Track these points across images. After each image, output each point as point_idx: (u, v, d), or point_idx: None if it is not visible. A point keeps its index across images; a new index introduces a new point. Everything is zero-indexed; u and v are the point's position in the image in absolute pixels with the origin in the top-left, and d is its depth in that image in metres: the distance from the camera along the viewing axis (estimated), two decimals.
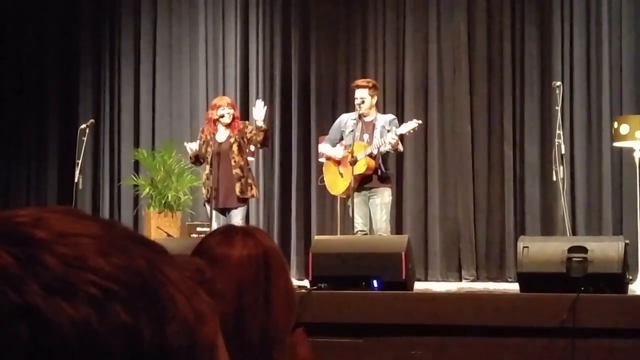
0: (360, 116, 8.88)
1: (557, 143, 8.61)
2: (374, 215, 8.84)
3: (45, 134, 12.30)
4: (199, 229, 10.18)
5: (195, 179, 10.93)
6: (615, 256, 6.36)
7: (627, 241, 6.58)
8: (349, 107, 10.00)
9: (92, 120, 10.36)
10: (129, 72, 12.26)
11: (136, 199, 11.84)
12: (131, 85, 12.24)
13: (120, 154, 12.19)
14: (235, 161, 8.84)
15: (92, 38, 12.36)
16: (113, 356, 0.62)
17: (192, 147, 9.02)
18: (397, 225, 10.72)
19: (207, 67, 11.98)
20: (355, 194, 8.71)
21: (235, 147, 8.84)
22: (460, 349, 6.26)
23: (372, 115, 8.98)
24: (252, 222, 10.90)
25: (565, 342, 6.03)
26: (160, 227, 10.50)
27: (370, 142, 8.79)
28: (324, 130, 9.75)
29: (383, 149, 8.73)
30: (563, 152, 8.63)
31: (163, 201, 10.97)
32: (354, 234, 8.78)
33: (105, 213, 12.01)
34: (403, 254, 6.81)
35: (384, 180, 8.91)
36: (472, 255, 10.79)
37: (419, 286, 8.19)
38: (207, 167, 8.92)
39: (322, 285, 6.80)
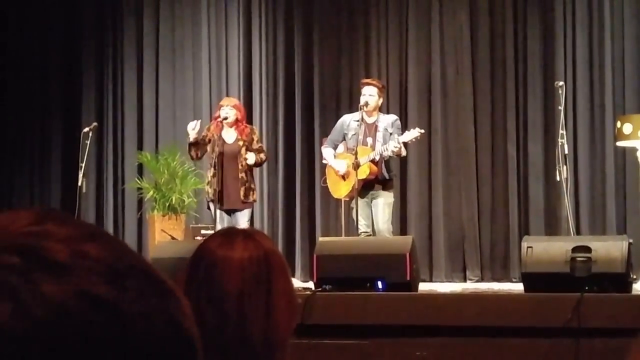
0: (363, 118, 8.88)
1: (560, 143, 8.61)
2: (376, 216, 8.84)
3: (48, 138, 12.31)
4: (203, 231, 10.17)
5: (199, 181, 10.93)
6: (619, 255, 6.35)
7: (631, 240, 6.57)
8: (353, 108, 9.99)
9: (95, 124, 10.37)
10: (132, 74, 12.26)
11: (140, 202, 11.85)
12: (134, 88, 12.25)
13: (123, 157, 12.19)
14: (242, 165, 8.87)
15: (95, 41, 12.37)
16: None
17: (191, 125, 8.98)
18: (401, 226, 10.73)
19: (210, 69, 11.98)
20: (358, 198, 8.72)
21: (243, 150, 8.88)
22: (465, 349, 6.25)
23: (375, 116, 8.98)
24: (257, 223, 10.91)
25: (570, 342, 6.02)
26: (165, 230, 10.51)
27: (373, 147, 8.80)
28: (327, 132, 9.75)
29: (386, 155, 8.74)
30: (566, 151, 8.63)
31: (167, 204, 10.97)
32: (357, 235, 8.78)
33: (109, 216, 12.03)
34: (407, 254, 6.81)
35: (386, 185, 8.92)
36: (476, 256, 10.79)
37: (424, 287, 8.19)
38: (212, 169, 8.93)
39: (327, 286, 6.80)
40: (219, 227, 8.79)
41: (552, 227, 10.52)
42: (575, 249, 6.43)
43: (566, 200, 8.82)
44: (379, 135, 8.85)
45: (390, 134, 8.81)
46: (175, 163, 11.28)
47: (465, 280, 10.71)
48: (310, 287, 7.52)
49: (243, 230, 2.22)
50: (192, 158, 9.42)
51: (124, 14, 12.35)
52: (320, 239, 8.49)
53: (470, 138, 10.98)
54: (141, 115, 12.21)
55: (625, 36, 10.62)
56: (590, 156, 10.63)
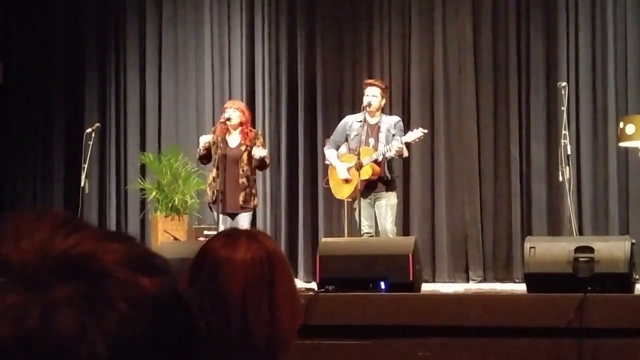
0: (366, 118, 8.89)
1: (563, 143, 8.61)
2: (380, 217, 8.84)
3: (51, 138, 12.31)
4: (206, 232, 10.17)
5: (202, 182, 10.93)
6: (621, 256, 6.36)
7: (634, 241, 6.57)
8: (355, 109, 10.00)
9: (98, 124, 10.37)
10: (135, 75, 12.27)
11: (143, 203, 11.85)
12: (137, 88, 12.25)
13: (126, 158, 12.19)
14: (243, 170, 8.84)
15: (98, 42, 12.37)
16: None
17: (204, 139, 9.01)
18: (404, 227, 10.73)
19: (213, 70, 11.98)
20: (361, 199, 8.72)
21: (245, 156, 8.85)
22: (468, 350, 6.26)
23: (378, 117, 8.98)
24: (259, 224, 10.91)
25: (573, 342, 6.03)
26: (167, 231, 10.51)
27: (375, 147, 8.80)
28: (330, 133, 9.75)
29: (388, 155, 8.74)
30: (569, 152, 8.63)
31: (170, 205, 10.98)
32: (360, 236, 8.78)
33: (112, 217, 12.04)
34: (410, 255, 6.81)
35: (389, 185, 8.92)
36: (479, 256, 10.79)
37: (426, 287, 8.18)
38: (214, 170, 8.92)
39: (330, 287, 6.80)
40: (221, 228, 8.78)
41: (555, 228, 10.53)
42: (578, 250, 6.43)
43: (569, 200, 8.82)
44: (382, 136, 8.85)
45: (393, 135, 8.81)
46: (178, 164, 11.28)
47: (468, 281, 10.71)
48: (312, 287, 7.53)
49: (246, 231, 2.23)
50: (203, 164, 9.49)
51: (126, 14, 12.35)
52: (323, 239, 8.49)
53: (472, 139, 10.98)
54: (144, 116, 12.21)
55: (628, 37, 10.62)
56: (592, 157, 10.63)
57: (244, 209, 8.86)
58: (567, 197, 8.90)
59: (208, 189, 9.11)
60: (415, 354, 6.29)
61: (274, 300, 2.09)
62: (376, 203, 8.88)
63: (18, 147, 12.37)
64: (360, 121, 8.89)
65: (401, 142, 8.64)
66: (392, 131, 8.85)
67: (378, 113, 9.00)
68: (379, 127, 8.91)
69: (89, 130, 9.98)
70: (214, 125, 9.73)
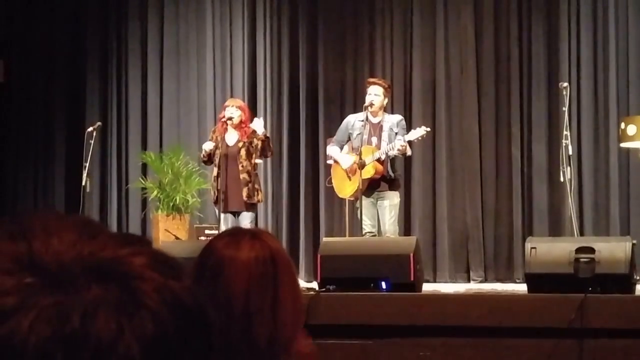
0: (368, 117, 8.89)
1: (564, 144, 8.61)
2: (382, 217, 8.85)
3: (52, 137, 12.31)
4: (207, 231, 10.18)
5: (203, 181, 10.94)
6: (622, 256, 6.36)
7: (635, 241, 6.58)
8: (357, 108, 10.00)
9: (99, 123, 10.38)
10: (136, 74, 12.27)
11: (144, 202, 11.85)
12: (138, 87, 12.25)
13: (127, 157, 12.19)
14: (242, 166, 8.84)
15: (99, 41, 12.38)
16: None
17: (207, 147, 9.03)
18: (406, 227, 10.73)
19: (215, 69, 11.98)
20: (363, 197, 8.72)
21: (243, 152, 8.85)
22: (469, 350, 6.26)
23: (380, 116, 8.99)
24: (261, 224, 10.91)
25: (573, 342, 6.03)
26: (169, 230, 10.52)
27: (378, 146, 8.80)
28: (331, 132, 9.75)
29: (391, 154, 8.75)
30: (570, 152, 8.63)
31: (171, 204, 10.98)
32: (362, 235, 8.79)
33: (113, 216, 12.03)
34: (411, 255, 6.81)
35: (392, 184, 8.93)
36: (480, 257, 10.79)
37: (428, 287, 8.19)
38: (215, 169, 8.93)
39: (331, 287, 6.80)
40: (223, 228, 8.78)
41: (556, 228, 10.53)
42: (579, 250, 6.43)
43: (570, 201, 8.82)
44: (384, 134, 8.85)
45: (396, 133, 8.82)
46: (179, 163, 11.28)
47: (469, 281, 10.71)
48: (314, 287, 7.52)
49: (250, 230, 2.23)
50: (208, 165, 9.50)
51: (128, 14, 12.35)
52: (324, 239, 8.50)
53: (474, 138, 10.98)
54: (145, 115, 12.21)
55: (629, 37, 10.62)
56: (594, 157, 10.63)
57: (248, 205, 8.87)
58: (568, 197, 8.90)
59: (211, 188, 9.12)
60: (416, 354, 6.29)
61: (277, 301, 2.10)
62: (378, 202, 8.88)
63: (19, 145, 12.37)
64: (362, 120, 8.89)
65: (404, 141, 8.64)
66: (395, 130, 8.86)
67: (380, 112, 9.00)
68: (381, 126, 8.91)
69: (90, 129, 9.99)
70: (215, 124, 9.73)
